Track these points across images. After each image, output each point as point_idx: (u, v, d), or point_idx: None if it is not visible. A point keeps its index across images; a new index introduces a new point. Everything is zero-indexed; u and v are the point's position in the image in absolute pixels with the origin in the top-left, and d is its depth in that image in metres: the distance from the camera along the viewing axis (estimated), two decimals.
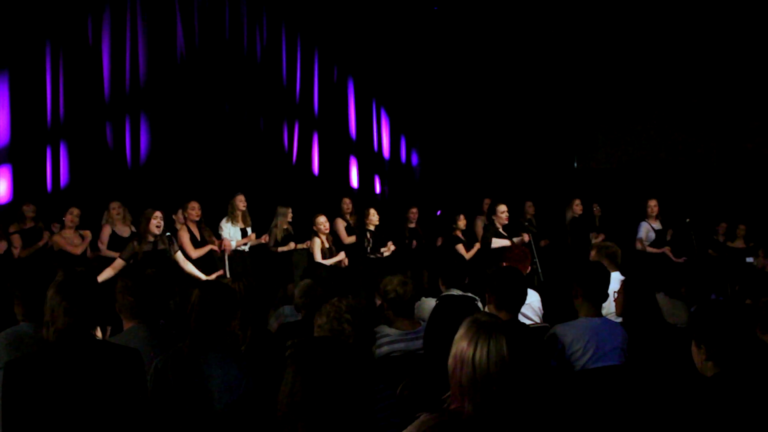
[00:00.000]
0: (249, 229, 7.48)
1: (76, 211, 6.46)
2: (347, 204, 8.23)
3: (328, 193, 9.95)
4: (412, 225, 8.44)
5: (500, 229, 6.80)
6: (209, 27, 9.04)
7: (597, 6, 10.57)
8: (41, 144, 7.55)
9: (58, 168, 7.72)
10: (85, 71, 7.90)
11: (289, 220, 7.74)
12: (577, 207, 8.34)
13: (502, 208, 6.97)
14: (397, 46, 10.81)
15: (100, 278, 5.59)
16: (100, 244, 6.67)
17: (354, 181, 10.82)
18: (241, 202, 7.44)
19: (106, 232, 6.70)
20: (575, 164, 11.76)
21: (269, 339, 3.51)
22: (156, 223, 5.77)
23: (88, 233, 6.58)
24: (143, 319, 3.29)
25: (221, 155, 9.01)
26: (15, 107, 7.24)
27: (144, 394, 2.46)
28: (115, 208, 6.76)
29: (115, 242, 6.59)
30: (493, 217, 6.86)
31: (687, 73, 10.72)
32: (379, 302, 3.80)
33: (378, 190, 11.16)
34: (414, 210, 8.46)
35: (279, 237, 7.62)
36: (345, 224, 8.06)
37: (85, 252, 6.52)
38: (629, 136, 11.27)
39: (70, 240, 6.40)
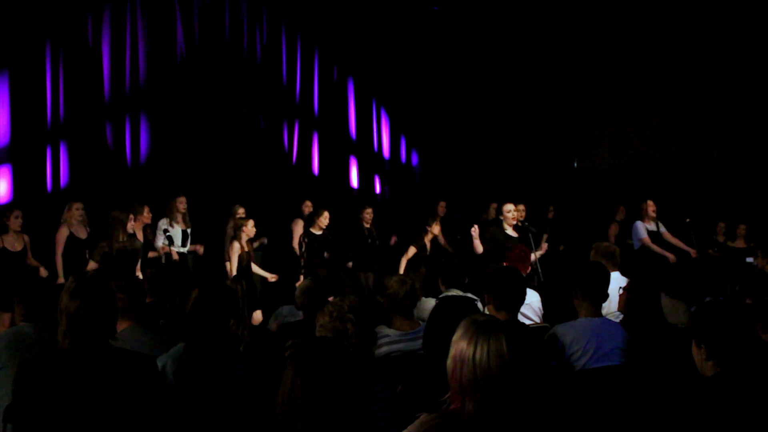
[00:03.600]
0: (189, 230, 7.31)
1: (18, 212, 6.23)
2: (308, 206, 8.14)
3: (328, 193, 9.96)
4: (368, 225, 8.21)
5: (507, 230, 6.60)
6: (209, 27, 9.04)
7: (596, 6, 10.57)
8: (41, 144, 7.54)
9: (58, 168, 7.71)
10: (85, 71, 7.89)
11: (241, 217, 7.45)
12: (519, 213, 8.27)
13: (508, 207, 6.62)
14: (397, 46, 10.82)
15: None
16: (57, 247, 6.32)
17: (354, 181, 10.82)
18: (181, 203, 7.26)
19: (64, 233, 6.37)
20: (575, 164, 11.77)
21: (269, 339, 3.52)
22: (131, 225, 5.96)
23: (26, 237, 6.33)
24: (137, 319, 3.29)
25: (221, 155, 9.01)
26: (15, 107, 7.22)
27: (157, 402, 2.39)
28: (79, 209, 6.45)
29: (73, 244, 6.36)
30: (501, 218, 6.70)
31: (687, 73, 10.72)
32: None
33: (378, 190, 11.16)
34: (369, 210, 8.26)
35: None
36: (302, 228, 7.87)
37: (25, 255, 6.29)
38: (629, 136, 11.28)
39: (12, 243, 6.20)
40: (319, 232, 7.58)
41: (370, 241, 8.15)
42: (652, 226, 7.57)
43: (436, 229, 7.72)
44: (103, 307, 2.33)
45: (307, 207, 8.18)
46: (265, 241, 7.90)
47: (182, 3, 8.76)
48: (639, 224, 7.59)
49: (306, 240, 7.50)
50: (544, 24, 10.76)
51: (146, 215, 6.75)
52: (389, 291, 3.51)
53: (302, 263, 7.47)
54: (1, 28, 7.12)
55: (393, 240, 8.82)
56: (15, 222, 6.18)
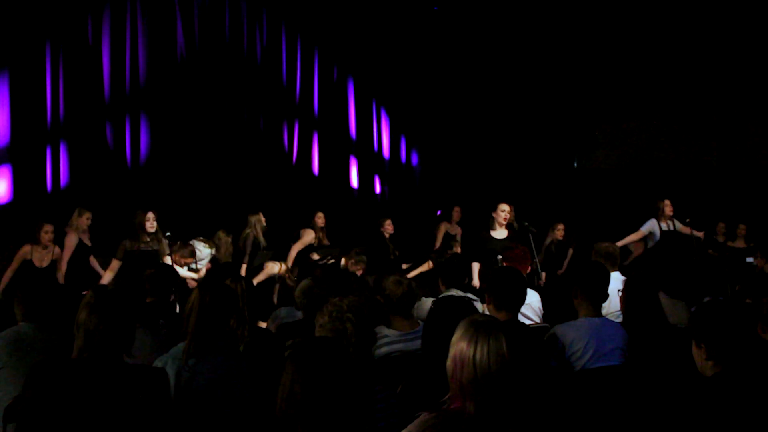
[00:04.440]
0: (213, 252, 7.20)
1: (49, 227, 6.17)
2: (320, 218, 7.91)
3: (328, 193, 9.96)
4: (387, 236, 8.22)
5: (495, 231, 6.50)
6: (209, 27, 9.04)
7: (597, 6, 10.57)
8: (41, 144, 7.55)
9: (58, 168, 7.72)
10: (85, 71, 7.90)
11: (263, 225, 7.43)
12: (559, 232, 8.32)
13: (503, 207, 6.58)
14: (397, 46, 10.82)
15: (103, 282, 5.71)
16: (66, 253, 6.26)
17: (354, 181, 10.82)
18: (228, 239, 7.20)
19: (73, 240, 6.33)
20: (575, 164, 11.77)
21: (269, 339, 3.52)
22: (150, 223, 5.94)
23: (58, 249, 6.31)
24: (138, 319, 3.30)
25: (221, 155, 9.02)
26: (15, 107, 7.24)
27: (164, 418, 2.37)
28: (90, 219, 6.40)
29: (81, 251, 6.36)
30: (493, 215, 6.62)
31: (687, 73, 10.72)
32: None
33: (378, 190, 11.16)
34: (389, 221, 8.26)
35: (252, 245, 7.34)
36: (312, 240, 7.75)
37: (51, 272, 6.22)
38: (629, 136, 11.28)
39: (40, 259, 6.18)
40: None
41: (393, 255, 8.14)
42: (666, 226, 7.56)
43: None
44: (122, 323, 2.30)
45: (320, 219, 7.91)
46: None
47: (182, 3, 8.76)
48: (651, 222, 7.57)
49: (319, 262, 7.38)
50: (544, 24, 10.76)
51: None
52: (386, 292, 3.51)
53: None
54: (1, 28, 7.13)
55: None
56: (45, 237, 6.12)
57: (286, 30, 10.02)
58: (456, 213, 9.13)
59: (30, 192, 7.26)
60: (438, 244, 8.79)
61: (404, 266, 7.99)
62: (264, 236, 7.37)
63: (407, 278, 3.72)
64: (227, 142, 9.13)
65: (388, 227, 8.24)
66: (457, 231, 8.98)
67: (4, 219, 6.83)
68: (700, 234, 7.73)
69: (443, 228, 8.97)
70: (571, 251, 8.70)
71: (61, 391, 2.18)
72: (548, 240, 8.35)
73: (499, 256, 5.42)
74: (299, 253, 7.61)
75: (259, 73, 9.62)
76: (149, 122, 8.54)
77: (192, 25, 8.90)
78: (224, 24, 9.23)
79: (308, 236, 7.77)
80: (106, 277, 6.02)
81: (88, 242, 6.47)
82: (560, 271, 8.48)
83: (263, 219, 7.47)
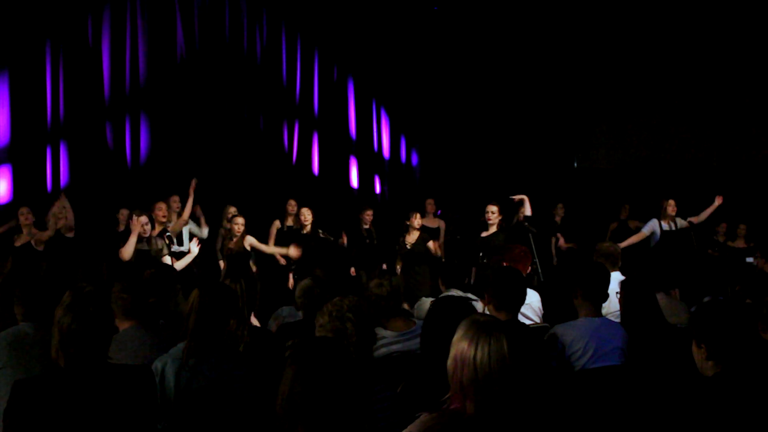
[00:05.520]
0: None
1: (24, 209, 6.21)
2: (292, 205, 7.90)
3: (328, 193, 9.96)
4: (367, 226, 8.14)
5: (487, 230, 6.59)
6: (209, 27, 9.04)
7: (597, 6, 10.57)
8: (41, 144, 7.55)
9: (58, 168, 7.72)
10: (85, 71, 7.90)
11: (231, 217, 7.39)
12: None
13: (490, 208, 6.67)
14: (397, 46, 10.81)
15: None
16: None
17: (354, 181, 10.82)
18: (174, 203, 7.21)
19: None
20: (575, 164, 11.76)
21: (269, 339, 3.52)
22: (147, 228, 5.96)
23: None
24: (139, 319, 3.30)
25: (221, 155, 9.01)
26: (15, 107, 7.24)
27: (153, 412, 2.36)
28: (23, 214, 6.31)
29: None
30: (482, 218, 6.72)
31: (687, 73, 10.72)
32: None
33: (378, 190, 11.16)
34: (369, 212, 8.17)
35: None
36: (278, 227, 7.79)
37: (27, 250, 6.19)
38: (629, 136, 11.27)
39: (18, 239, 6.18)
40: (305, 231, 7.32)
41: (368, 241, 8.11)
42: (668, 226, 7.54)
43: (416, 222, 7.46)
44: (96, 324, 2.26)
45: (291, 206, 7.91)
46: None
47: (182, 3, 8.76)
48: (653, 221, 7.56)
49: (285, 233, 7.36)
50: (544, 24, 10.76)
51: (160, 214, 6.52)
52: (373, 298, 3.50)
53: (292, 264, 7.36)
54: (1, 28, 7.13)
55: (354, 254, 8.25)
56: (21, 218, 6.19)
57: (286, 30, 10.01)
58: (429, 205, 8.93)
59: (30, 192, 7.26)
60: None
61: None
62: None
63: (387, 279, 3.71)
64: (227, 142, 9.13)
65: (366, 218, 8.14)
66: (438, 224, 8.84)
67: (4, 219, 6.82)
68: (695, 219, 7.73)
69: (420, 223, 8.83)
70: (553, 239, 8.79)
71: (47, 404, 2.14)
72: (514, 220, 8.29)
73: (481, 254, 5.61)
74: (279, 241, 7.61)
75: (259, 73, 9.62)
76: (149, 122, 8.54)
77: (192, 25, 8.89)
78: (224, 24, 9.23)
79: (273, 228, 7.83)
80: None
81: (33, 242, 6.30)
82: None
83: (233, 211, 7.47)
